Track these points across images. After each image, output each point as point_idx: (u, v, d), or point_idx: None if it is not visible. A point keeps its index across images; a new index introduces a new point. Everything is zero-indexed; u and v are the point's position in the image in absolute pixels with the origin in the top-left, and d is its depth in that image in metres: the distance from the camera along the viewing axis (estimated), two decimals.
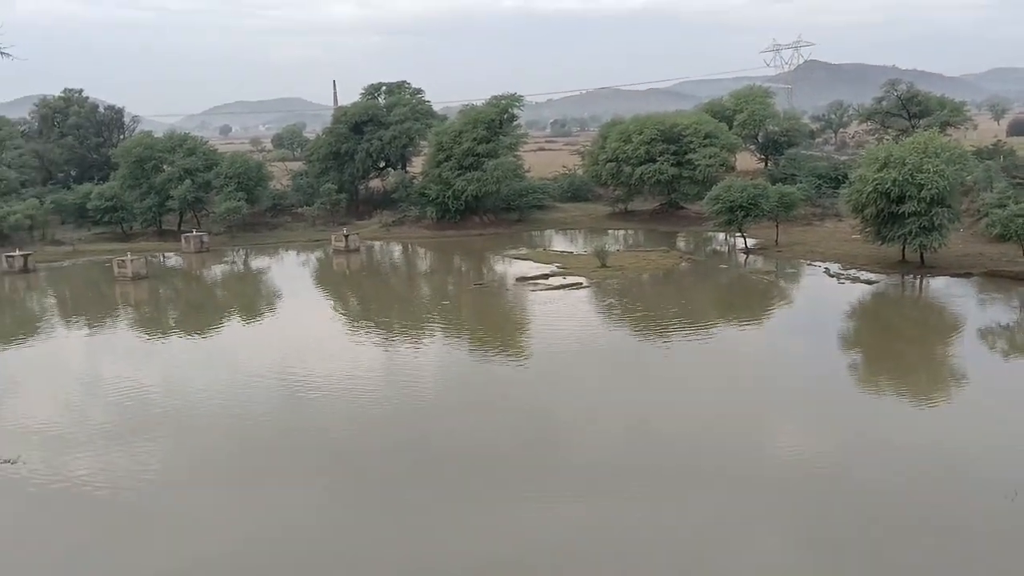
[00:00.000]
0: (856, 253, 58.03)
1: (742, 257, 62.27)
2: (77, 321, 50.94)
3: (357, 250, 70.80)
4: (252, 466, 27.62)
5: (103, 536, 23.39)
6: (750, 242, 64.51)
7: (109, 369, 39.72)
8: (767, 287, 54.27)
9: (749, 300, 50.97)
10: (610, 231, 76.71)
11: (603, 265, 57.14)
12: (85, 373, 39.57)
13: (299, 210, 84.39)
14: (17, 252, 66.20)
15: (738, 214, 61.31)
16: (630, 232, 76.60)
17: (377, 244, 75.68)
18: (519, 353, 40.57)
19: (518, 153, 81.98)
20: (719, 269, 59.81)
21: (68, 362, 41.62)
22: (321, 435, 29.95)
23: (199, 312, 53.53)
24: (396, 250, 74.61)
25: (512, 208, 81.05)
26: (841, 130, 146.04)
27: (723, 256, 64.44)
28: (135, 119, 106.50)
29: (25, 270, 64.69)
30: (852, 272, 54.18)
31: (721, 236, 69.79)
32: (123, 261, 61.05)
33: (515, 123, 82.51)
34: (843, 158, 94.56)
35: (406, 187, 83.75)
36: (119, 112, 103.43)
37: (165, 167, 78.12)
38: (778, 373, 36.02)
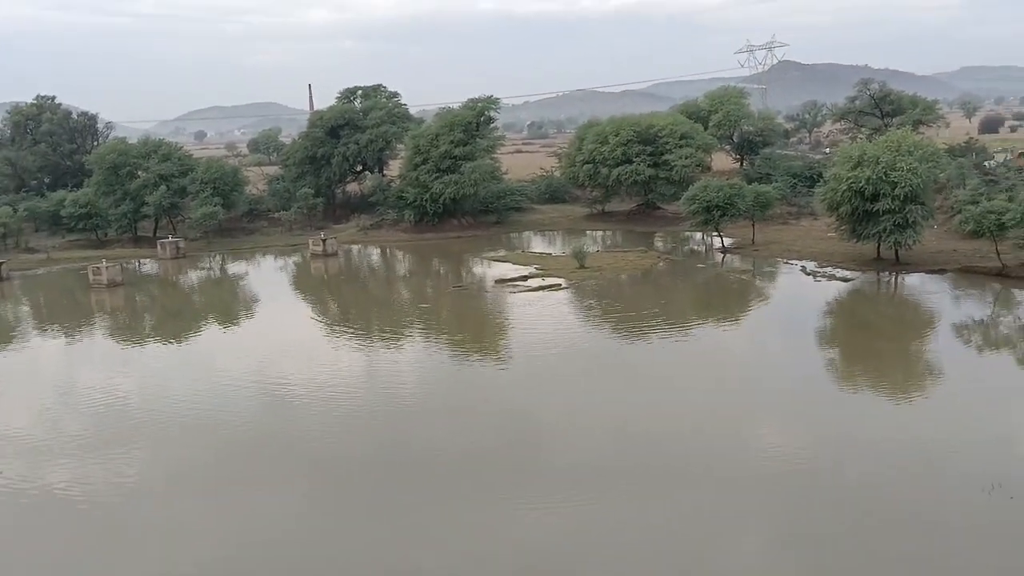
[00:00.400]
0: (832, 251, 58.48)
1: (719, 256, 62.59)
2: (52, 329, 50.38)
3: (335, 254, 70.51)
4: (231, 473, 27.42)
5: (81, 546, 23.13)
6: (727, 241, 64.87)
7: (85, 377, 39.30)
8: (745, 286, 54.57)
9: (727, 299, 51.24)
10: (588, 232, 76.87)
11: (582, 266, 57.25)
12: (61, 381, 39.11)
13: (276, 215, 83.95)
14: None
15: (715, 214, 61.66)
16: (608, 233, 76.80)
17: (355, 248, 75.41)
18: (500, 355, 40.54)
19: (495, 155, 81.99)
20: (697, 268, 60.09)
21: (44, 370, 41.14)
22: (300, 441, 29.78)
23: (176, 318, 53.10)
24: (374, 254, 74.37)
25: (490, 210, 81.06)
26: (815, 129, 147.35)
27: (700, 255, 64.75)
28: (109, 125, 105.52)
29: None
30: (828, 270, 54.60)
31: (698, 236, 70.11)
32: (98, 268, 60.46)
33: (492, 125, 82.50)
34: (817, 157, 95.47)
35: (383, 190, 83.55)
36: (92, 118, 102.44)
37: (140, 173, 77.48)
38: (757, 372, 36.21)
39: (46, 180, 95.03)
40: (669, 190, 76.04)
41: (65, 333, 49.05)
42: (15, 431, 31.36)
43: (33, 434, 31.20)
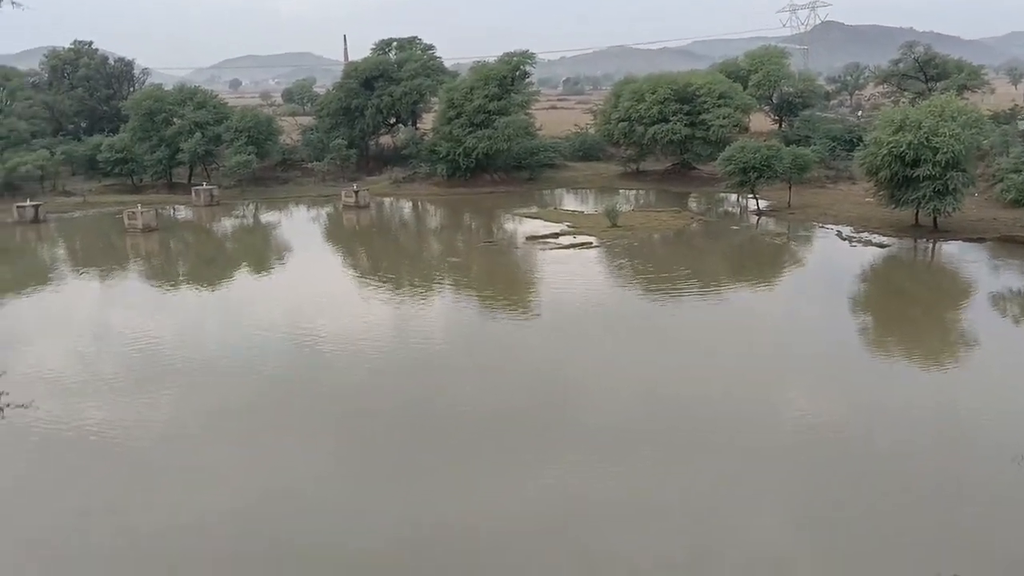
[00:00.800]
0: (869, 216, 57.60)
1: (754, 219, 61.89)
2: (88, 272, 51.05)
3: (367, 206, 70.59)
4: (259, 421, 27.76)
5: (110, 486, 23.59)
6: (762, 204, 64.06)
7: (120, 320, 39.86)
8: (779, 249, 53.99)
9: (761, 262, 50.75)
10: (621, 191, 76.26)
11: (614, 225, 56.88)
12: (96, 324, 39.72)
13: (309, 165, 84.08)
14: (28, 202, 66.22)
15: (751, 175, 60.83)
16: (641, 192, 76.15)
17: (387, 200, 75.43)
18: (528, 312, 40.53)
19: (529, 111, 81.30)
20: (731, 230, 59.50)
21: (79, 313, 41.76)
22: (329, 392, 30.07)
23: (209, 265, 53.57)
24: (406, 207, 74.37)
25: (523, 167, 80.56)
26: (857, 92, 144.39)
27: (735, 218, 64.07)
28: (145, 72, 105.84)
29: (36, 220, 64.74)
30: (864, 235, 53.81)
31: (733, 197, 69.34)
32: (133, 213, 61.02)
33: (527, 80, 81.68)
34: (858, 121, 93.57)
35: (416, 144, 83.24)
36: (129, 64, 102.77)
37: (175, 120, 77.77)
38: (790, 337, 35.93)
39: (83, 125, 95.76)
40: (705, 150, 75.04)
41: (100, 276, 49.67)
42: (50, 372, 31.92)
43: (67, 375, 31.77)
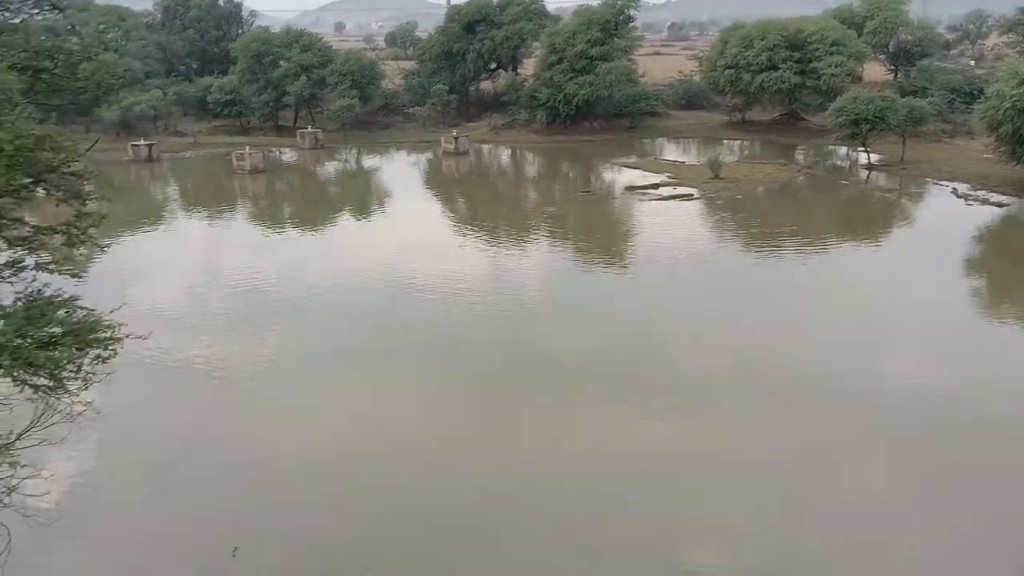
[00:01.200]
0: (987, 174, 54.79)
1: (864, 173, 59.68)
2: (198, 211, 52.90)
3: (466, 153, 70.80)
4: (360, 362, 28.47)
5: (218, 416, 24.67)
6: (874, 158, 61.60)
7: (228, 259, 41.27)
8: (889, 206, 52.02)
9: (869, 219, 49.02)
10: (725, 141, 74.41)
11: (716, 176, 55.67)
12: (205, 262, 41.26)
13: (410, 110, 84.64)
14: (143, 142, 68.71)
15: (863, 127, 58.47)
16: (746, 143, 74.17)
17: (486, 147, 75.51)
18: (625, 264, 40.26)
19: (632, 57, 79.65)
20: (839, 185, 57.54)
21: (189, 251, 43.43)
22: (426, 335, 30.55)
23: (313, 207, 54.81)
24: (504, 154, 74.34)
25: (624, 114, 79.30)
26: (979, 42, 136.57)
27: (844, 171, 61.91)
28: (253, 14, 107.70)
29: (150, 159, 67.22)
30: (982, 193, 51.26)
31: (843, 150, 66.91)
32: (242, 154, 62.70)
33: (631, 25, 79.83)
34: (980, 72, 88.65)
35: (516, 90, 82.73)
36: (237, 6, 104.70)
37: (281, 63, 79.13)
38: (897, 297, 34.67)
39: (194, 66, 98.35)
40: (815, 100, 72.35)
41: (210, 216, 51.42)
42: (162, 307, 33.34)
43: (178, 310, 33.16)
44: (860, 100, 58.69)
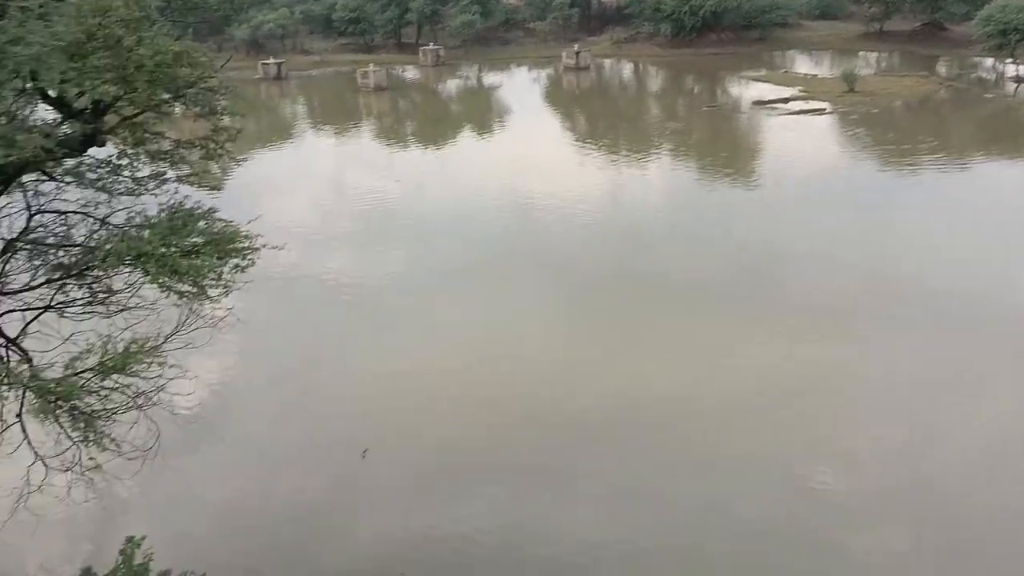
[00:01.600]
0: None
1: (1012, 87, 55.65)
2: (325, 128, 54.09)
3: (587, 68, 69.53)
4: (481, 279, 28.81)
5: (341, 329, 25.59)
6: (1022, 70, 57.29)
7: (354, 177, 42.21)
8: None
9: (1017, 135, 45.88)
10: (861, 53, 70.48)
11: (851, 90, 52.96)
12: (332, 179, 42.30)
13: (531, 25, 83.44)
14: (272, 60, 70.32)
15: (1012, 38, 54.40)
16: (884, 55, 70.08)
17: (607, 62, 73.92)
18: (750, 181, 39.07)
19: None
20: (984, 99, 53.92)
21: (317, 168, 44.58)
22: (545, 255, 30.63)
23: (436, 125, 55.20)
24: (626, 68, 72.64)
25: (753, 25, 75.95)
26: None
27: (990, 85, 57.91)
28: None
29: (279, 77, 68.86)
30: None
31: (989, 62, 62.42)
32: (366, 72, 63.44)
33: None
34: None
35: (640, 2, 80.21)
36: None
37: None
38: None
39: None
40: (961, 9, 67.57)
41: (336, 133, 52.52)
42: (291, 222, 34.44)
43: (308, 225, 34.23)
44: (1010, 8, 54.55)
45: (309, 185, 40.77)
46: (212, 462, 19.31)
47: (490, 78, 70.54)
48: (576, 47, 71.15)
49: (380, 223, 34.40)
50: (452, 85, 68.69)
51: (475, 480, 18.19)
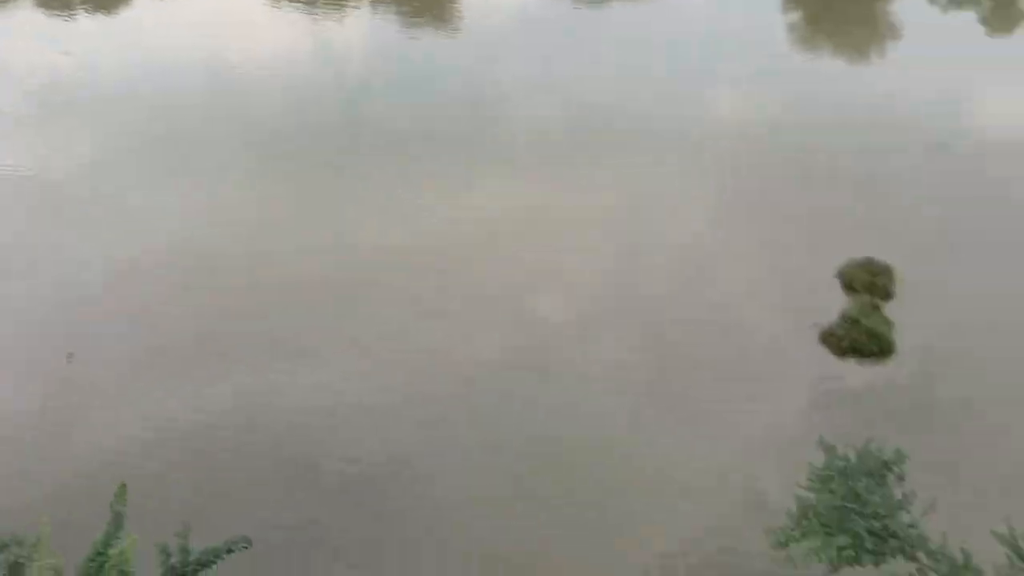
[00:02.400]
0: None
1: None
2: None
3: None
4: (169, 152, 26.77)
5: (37, 216, 23.10)
6: None
7: (14, 50, 36.49)
8: None
9: None
10: None
11: None
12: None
13: None
14: None
15: None
16: None
17: None
18: (451, 27, 38.17)
19: None
20: None
21: None
22: (252, 118, 28.82)
23: None
24: None
25: None
26: None
27: None
28: None
29: None
30: None
31: None
32: None
33: None
34: None
35: None
36: None
37: None
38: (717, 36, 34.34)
39: None
40: None
41: None
42: None
43: None
44: None
45: None
46: None
47: None
48: None
49: (54, 102, 30.35)
50: None
51: (202, 355, 17.56)
